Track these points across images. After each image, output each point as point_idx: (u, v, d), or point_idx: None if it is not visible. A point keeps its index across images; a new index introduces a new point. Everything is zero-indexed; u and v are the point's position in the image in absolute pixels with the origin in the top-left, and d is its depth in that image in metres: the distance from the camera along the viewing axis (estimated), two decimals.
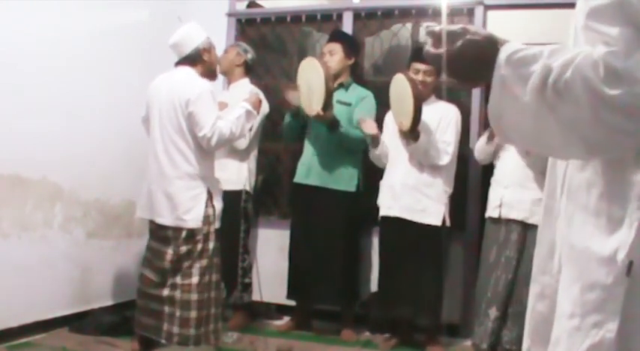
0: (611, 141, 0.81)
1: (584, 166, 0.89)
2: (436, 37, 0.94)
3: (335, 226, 3.51)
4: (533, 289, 1.03)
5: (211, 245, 2.87)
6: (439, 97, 3.47)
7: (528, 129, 0.87)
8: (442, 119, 3.32)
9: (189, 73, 2.91)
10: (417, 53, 3.35)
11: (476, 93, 3.77)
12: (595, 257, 0.84)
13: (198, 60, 2.93)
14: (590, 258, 0.85)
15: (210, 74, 3.02)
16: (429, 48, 0.95)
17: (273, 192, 4.22)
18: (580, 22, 0.86)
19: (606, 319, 0.81)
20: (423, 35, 3.99)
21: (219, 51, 3.45)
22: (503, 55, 0.87)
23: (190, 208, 2.82)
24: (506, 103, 0.87)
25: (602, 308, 0.82)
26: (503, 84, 0.86)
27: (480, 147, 3.37)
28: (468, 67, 0.92)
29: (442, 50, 0.92)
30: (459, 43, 0.91)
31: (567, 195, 0.93)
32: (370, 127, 3.35)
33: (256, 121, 3.49)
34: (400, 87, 3.16)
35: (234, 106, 3.10)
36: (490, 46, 0.89)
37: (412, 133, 3.17)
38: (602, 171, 0.86)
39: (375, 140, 3.38)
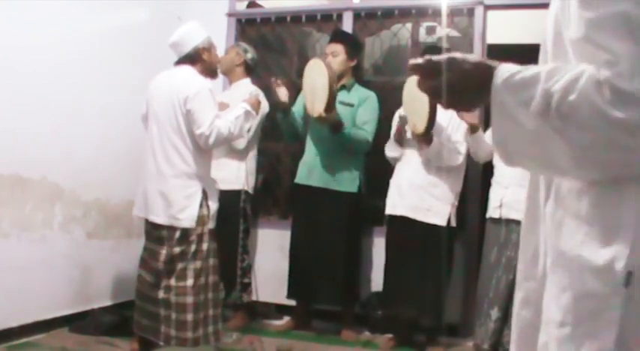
0: (624, 161, 0.79)
1: None
2: (422, 69, 0.92)
3: (336, 226, 3.51)
4: (518, 295, 1.01)
5: (205, 246, 2.85)
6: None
7: (536, 154, 0.85)
8: (452, 119, 3.31)
9: (189, 71, 2.90)
10: (427, 52, 3.35)
11: None
12: (588, 266, 0.82)
13: (198, 59, 2.92)
14: (583, 266, 0.82)
15: (210, 73, 3.01)
16: (420, 81, 0.93)
17: (273, 192, 4.22)
18: (576, 33, 0.81)
19: (603, 329, 0.80)
20: (422, 35, 4.00)
21: (219, 51, 3.45)
22: (498, 79, 0.84)
23: (185, 207, 2.80)
24: (510, 129, 0.85)
25: (597, 318, 0.80)
26: (503, 110, 0.84)
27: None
28: (463, 97, 0.90)
29: (435, 83, 0.91)
30: (449, 74, 0.89)
31: (555, 200, 0.90)
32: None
33: (256, 121, 3.49)
34: (415, 89, 3.14)
35: (235, 106, 3.10)
36: (482, 72, 0.87)
37: (426, 136, 3.16)
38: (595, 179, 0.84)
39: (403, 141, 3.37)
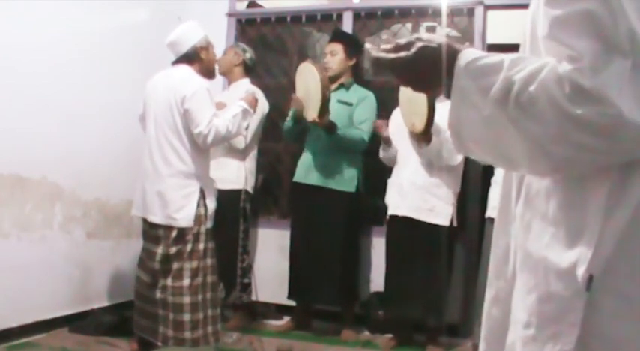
0: (578, 158, 0.78)
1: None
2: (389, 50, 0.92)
3: (335, 226, 3.51)
4: (489, 293, 1.01)
5: (202, 246, 2.84)
6: (448, 95, 3.46)
7: (490, 142, 0.85)
8: None
9: (186, 70, 2.89)
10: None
11: None
12: (553, 268, 0.82)
13: (196, 58, 2.92)
14: (548, 268, 0.82)
15: (208, 73, 3.00)
16: (378, 54, 0.92)
17: (273, 192, 4.22)
18: (542, 31, 0.81)
19: (563, 332, 0.80)
20: (423, 33, 3.99)
21: (219, 51, 3.45)
22: (462, 63, 0.84)
23: (182, 206, 2.79)
24: (467, 115, 0.84)
25: (559, 320, 0.80)
26: (463, 94, 0.84)
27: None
28: (423, 75, 0.89)
29: (394, 56, 0.90)
30: (414, 49, 0.89)
31: (525, 201, 0.90)
32: (383, 129, 3.40)
33: (255, 121, 3.49)
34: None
35: (232, 105, 3.10)
36: (447, 54, 0.87)
37: (425, 135, 3.16)
38: (562, 181, 0.83)
39: (388, 141, 3.40)
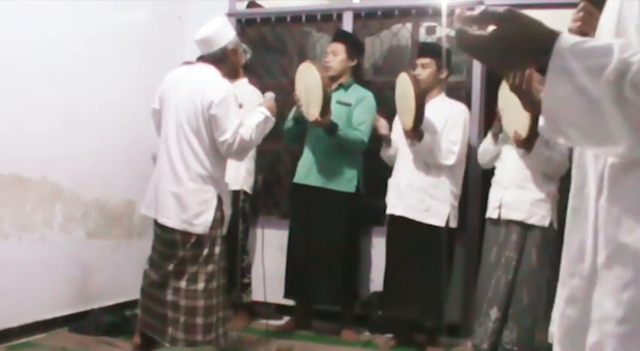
0: None
1: (628, 168, 0.85)
2: (477, 20, 0.86)
3: (335, 226, 3.51)
4: (562, 293, 0.98)
5: (217, 250, 2.80)
6: (448, 94, 3.47)
7: (589, 125, 0.82)
8: (449, 118, 3.31)
9: (213, 73, 2.79)
10: (421, 49, 3.44)
11: (475, 91, 3.76)
12: None
13: (224, 60, 2.83)
14: None
15: (231, 74, 2.93)
16: (465, 29, 0.86)
17: (273, 192, 4.22)
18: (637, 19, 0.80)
19: None
20: (422, 35, 3.99)
21: None
22: (564, 44, 0.80)
23: (200, 212, 2.74)
24: (567, 96, 0.81)
25: None
26: (567, 75, 0.80)
27: (485, 150, 3.34)
28: (514, 54, 0.85)
29: (484, 32, 0.85)
30: (506, 25, 0.84)
31: (609, 197, 0.88)
32: (382, 127, 3.44)
33: None
34: (403, 85, 3.17)
35: (250, 111, 3.02)
36: (543, 32, 0.83)
37: (415, 132, 3.16)
38: None
39: (387, 140, 3.42)
